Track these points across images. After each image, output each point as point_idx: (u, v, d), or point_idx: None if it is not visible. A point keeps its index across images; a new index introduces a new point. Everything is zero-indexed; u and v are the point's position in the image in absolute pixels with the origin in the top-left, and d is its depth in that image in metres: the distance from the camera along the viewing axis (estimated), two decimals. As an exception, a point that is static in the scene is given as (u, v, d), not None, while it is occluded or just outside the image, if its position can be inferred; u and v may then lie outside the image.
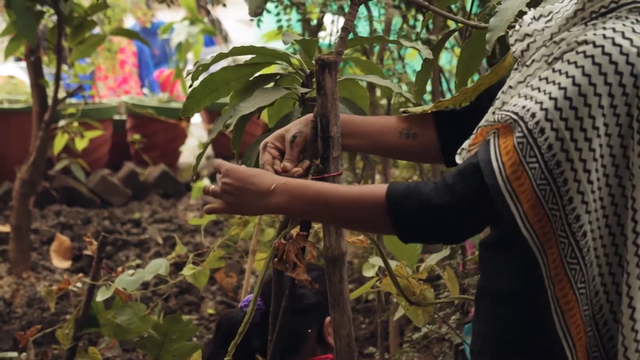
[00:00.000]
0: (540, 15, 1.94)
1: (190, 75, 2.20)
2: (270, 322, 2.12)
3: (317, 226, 3.25)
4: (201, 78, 2.25)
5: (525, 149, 1.72)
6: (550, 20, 1.90)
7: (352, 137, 2.10)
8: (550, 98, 1.71)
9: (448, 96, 4.48)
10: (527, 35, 1.91)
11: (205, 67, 2.21)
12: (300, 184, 1.91)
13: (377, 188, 1.85)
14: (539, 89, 1.75)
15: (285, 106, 2.32)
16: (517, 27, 1.94)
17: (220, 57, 2.19)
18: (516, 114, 1.74)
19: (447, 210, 1.78)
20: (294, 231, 2.06)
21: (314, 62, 2.17)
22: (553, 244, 1.75)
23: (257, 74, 2.25)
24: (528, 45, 1.90)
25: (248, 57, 2.28)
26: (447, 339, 3.31)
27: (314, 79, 2.17)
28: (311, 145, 2.04)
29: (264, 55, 2.23)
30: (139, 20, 10.63)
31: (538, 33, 1.89)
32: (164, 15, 10.94)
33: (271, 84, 2.25)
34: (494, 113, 1.88)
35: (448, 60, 5.84)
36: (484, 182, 1.75)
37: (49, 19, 5.71)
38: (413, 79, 4.60)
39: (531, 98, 1.74)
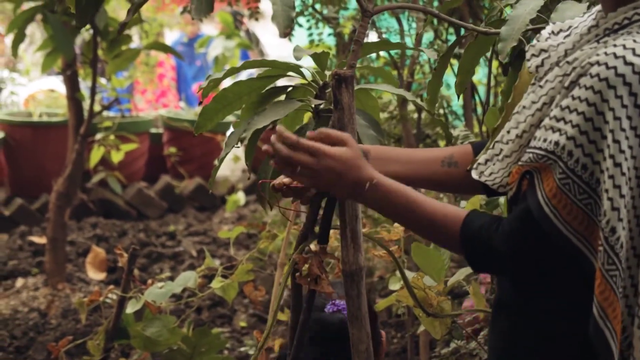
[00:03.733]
0: (560, 30, 1.94)
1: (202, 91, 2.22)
2: (289, 336, 2.12)
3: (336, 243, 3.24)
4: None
5: (572, 188, 1.74)
6: (569, 35, 1.90)
7: (395, 163, 2.13)
8: (581, 132, 1.72)
9: (479, 110, 4.47)
10: (542, 50, 1.91)
11: (217, 82, 2.22)
12: (392, 189, 1.91)
13: (456, 217, 1.91)
14: (564, 119, 1.75)
15: (297, 118, 2.32)
16: (535, 41, 1.94)
17: (231, 72, 2.20)
18: (553, 152, 1.76)
19: (511, 256, 1.85)
20: (314, 245, 2.07)
21: (326, 73, 2.18)
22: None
23: (269, 87, 2.25)
24: (542, 61, 1.90)
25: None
26: (475, 354, 3.29)
27: (327, 90, 2.18)
28: None
29: (276, 68, 2.23)
30: (187, 32, 10.68)
31: (553, 49, 1.88)
32: (208, 28, 11.02)
33: (283, 96, 2.26)
34: (512, 140, 1.91)
35: (484, 73, 5.82)
36: (537, 228, 1.79)
37: (86, 33, 5.77)
38: (444, 92, 4.61)
39: (559, 131, 1.75)
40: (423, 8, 2.24)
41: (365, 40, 2.24)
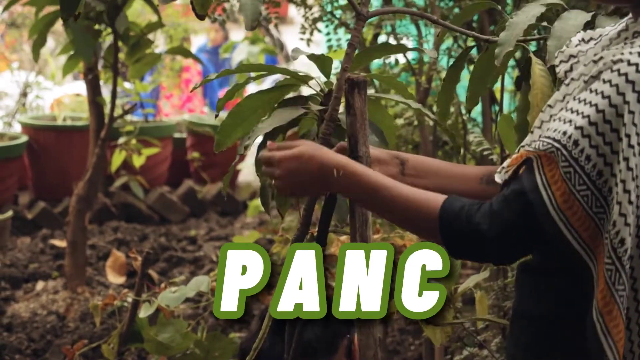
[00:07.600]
0: (590, 38, 1.93)
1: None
2: (286, 341, 2.11)
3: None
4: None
5: (573, 177, 1.71)
6: (598, 42, 1.89)
7: (434, 176, 2.12)
8: (590, 123, 1.70)
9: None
10: (572, 56, 1.90)
11: (230, 93, 2.21)
12: (358, 173, 1.91)
13: (434, 200, 1.87)
14: (577, 111, 1.73)
15: (310, 126, 2.31)
16: (564, 48, 1.94)
17: (226, 72, 2.20)
18: (558, 141, 1.73)
19: (493, 236, 1.79)
20: None
21: (330, 80, 2.17)
22: (601, 269, 1.73)
23: (283, 98, 2.24)
24: (571, 66, 1.89)
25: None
26: (489, 362, 3.27)
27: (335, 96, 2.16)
28: None
29: (290, 78, 2.21)
30: (212, 40, 10.71)
31: (582, 54, 1.88)
32: (235, 34, 11.04)
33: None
34: (532, 132, 1.87)
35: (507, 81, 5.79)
36: (528, 210, 1.75)
37: (107, 36, 5.78)
38: (462, 99, 4.58)
39: (570, 122, 1.73)
40: (420, 13, 2.23)
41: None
